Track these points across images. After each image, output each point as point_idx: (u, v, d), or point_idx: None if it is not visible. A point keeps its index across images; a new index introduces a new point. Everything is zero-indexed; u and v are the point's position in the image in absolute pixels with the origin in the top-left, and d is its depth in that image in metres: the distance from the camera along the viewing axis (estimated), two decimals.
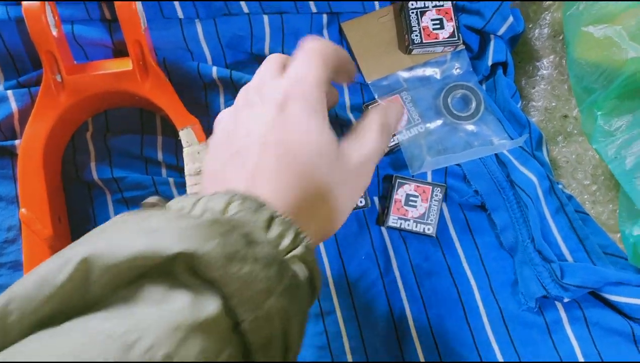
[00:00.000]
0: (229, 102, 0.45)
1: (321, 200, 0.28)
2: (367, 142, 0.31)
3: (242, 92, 0.32)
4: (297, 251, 0.25)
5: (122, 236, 0.22)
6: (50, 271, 0.21)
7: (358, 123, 0.32)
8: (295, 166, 0.28)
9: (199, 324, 0.20)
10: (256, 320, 0.22)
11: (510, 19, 0.44)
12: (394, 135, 0.44)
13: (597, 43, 0.37)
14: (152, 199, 0.27)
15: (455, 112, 0.44)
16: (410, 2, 0.45)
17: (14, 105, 0.43)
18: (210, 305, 0.21)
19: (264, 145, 0.28)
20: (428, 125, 0.44)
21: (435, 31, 0.45)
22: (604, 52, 0.37)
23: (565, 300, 0.40)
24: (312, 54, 0.30)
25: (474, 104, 0.44)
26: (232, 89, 0.44)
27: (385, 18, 0.45)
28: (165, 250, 0.21)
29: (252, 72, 0.33)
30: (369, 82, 0.45)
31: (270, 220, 0.25)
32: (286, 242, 0.25)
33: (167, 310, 0.20)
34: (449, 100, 0.44)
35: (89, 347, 0.18)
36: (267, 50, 0.45)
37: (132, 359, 0.18)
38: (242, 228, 0.23)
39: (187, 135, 0.41)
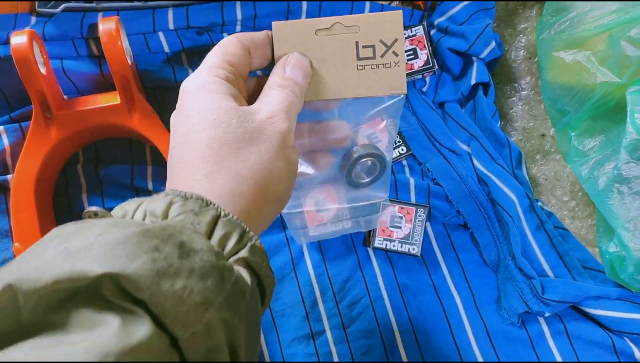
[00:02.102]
0: None
1: (242, 162, 0.27)
2: (269, 97, 0.30)
3: None
4: (243, 253, 0.24)
5: (45, 258, 0.21)
6: None
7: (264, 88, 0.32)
8: (199, 146, 0.27)
9: (128, 350, 0.19)
10: (194, 336, 0.21)
11: (493, 43, 0.46)
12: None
13: (569, 67, 0.39)
14: (92, 209, 0.26)
15: (356, 180, 0.39)
16: None
17: (5, 141, 0.44)
18: (141, 328, 0.20)
19: (181, 139, 0.29)
20: None
21: (410, 62, 0.46)
22: (575, 76, 0.39)
23: (547, 314, 0.41)
24: (214, 48, 0.32)
25: (377, 172, 0.39)
26: None
27: (324, 33, 0.33)
28: (88, 272, 0.20)
29: None
30: None
31: (215, 221, 0.24)
32: (231, 244, 0.24)
33: (94, 338, 0.19)
34: (355, 169, 0.38)
35: None
36: None
37: None
38: (178, 237, 0.22)
39: None
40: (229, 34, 0.46)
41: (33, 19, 0.45)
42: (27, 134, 0.42)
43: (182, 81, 0.45)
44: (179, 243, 0.22)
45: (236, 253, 0.24)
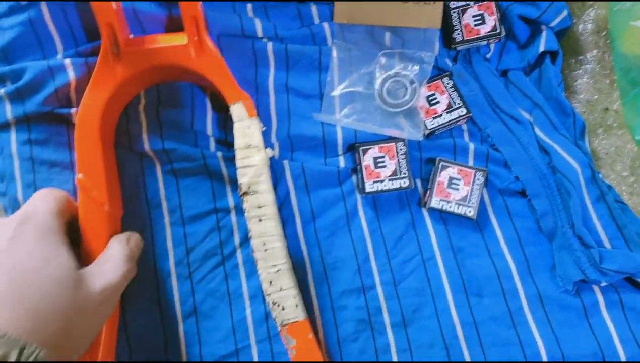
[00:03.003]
0: (279, 80, 0.46)
1: (59, 327, 0.29)
2: (109, 270, 0.34)
3: None
4: None
5: None
6: None
7: (102, 253, 0.36)
8: (28, 292, 0.29)
9: None
10: None
11: (565, 12, 0.46)
12: (437, 116, 0.45)
13: None
14: None
15: (389, 100, 0.45)
16: (452, 2, 0.46)
17: (71, 74, 0.44)
18: None
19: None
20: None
21: (476, 27, 0.46)
22: None
23: (603, 284, 0.41)
24: (43, 192, 0.36)
25: (407, 95, 0.45)
26: (285, 62, 0.45)
27: None
28: None
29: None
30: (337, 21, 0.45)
31: None
32: (10, 360, 0.25)
33: None
34: (385, 87, 0.45)
35: None
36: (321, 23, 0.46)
37: None
38: None
39: (238, 110, 0.43)
40: None
41: None
42: (94, 68, 0.42)
43: (248, 31, 0.45)
44: None
45: None
